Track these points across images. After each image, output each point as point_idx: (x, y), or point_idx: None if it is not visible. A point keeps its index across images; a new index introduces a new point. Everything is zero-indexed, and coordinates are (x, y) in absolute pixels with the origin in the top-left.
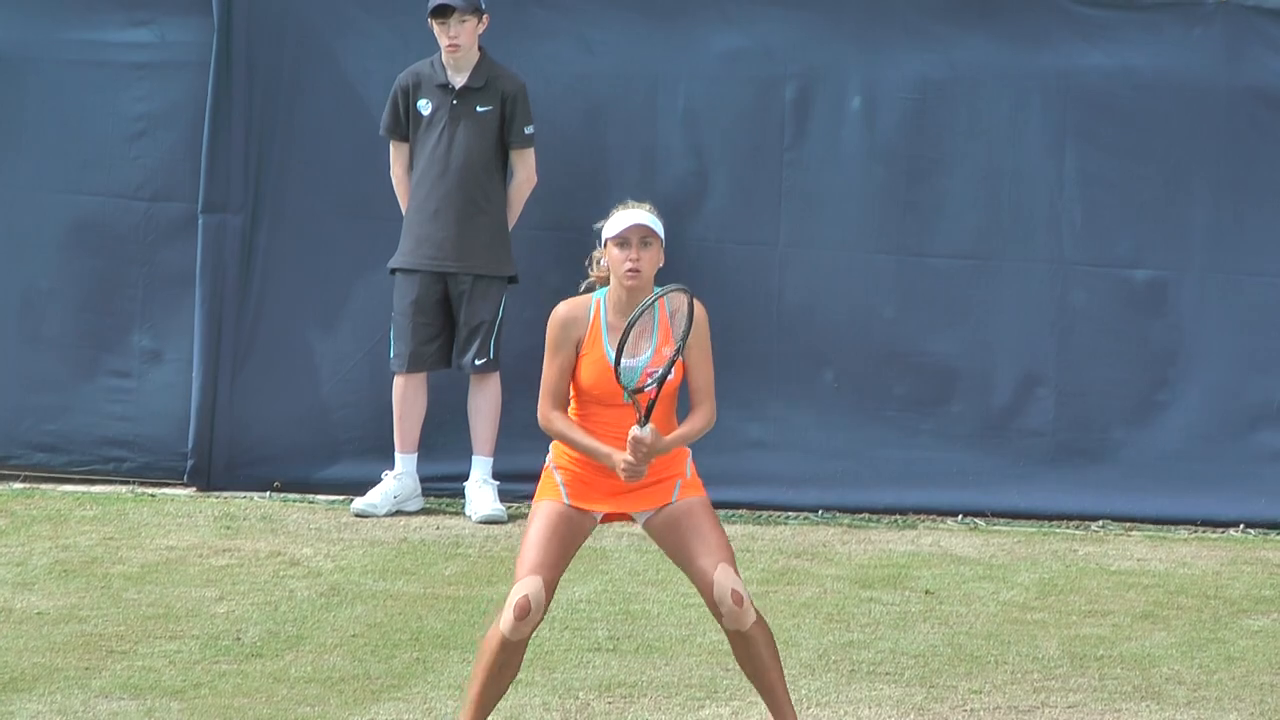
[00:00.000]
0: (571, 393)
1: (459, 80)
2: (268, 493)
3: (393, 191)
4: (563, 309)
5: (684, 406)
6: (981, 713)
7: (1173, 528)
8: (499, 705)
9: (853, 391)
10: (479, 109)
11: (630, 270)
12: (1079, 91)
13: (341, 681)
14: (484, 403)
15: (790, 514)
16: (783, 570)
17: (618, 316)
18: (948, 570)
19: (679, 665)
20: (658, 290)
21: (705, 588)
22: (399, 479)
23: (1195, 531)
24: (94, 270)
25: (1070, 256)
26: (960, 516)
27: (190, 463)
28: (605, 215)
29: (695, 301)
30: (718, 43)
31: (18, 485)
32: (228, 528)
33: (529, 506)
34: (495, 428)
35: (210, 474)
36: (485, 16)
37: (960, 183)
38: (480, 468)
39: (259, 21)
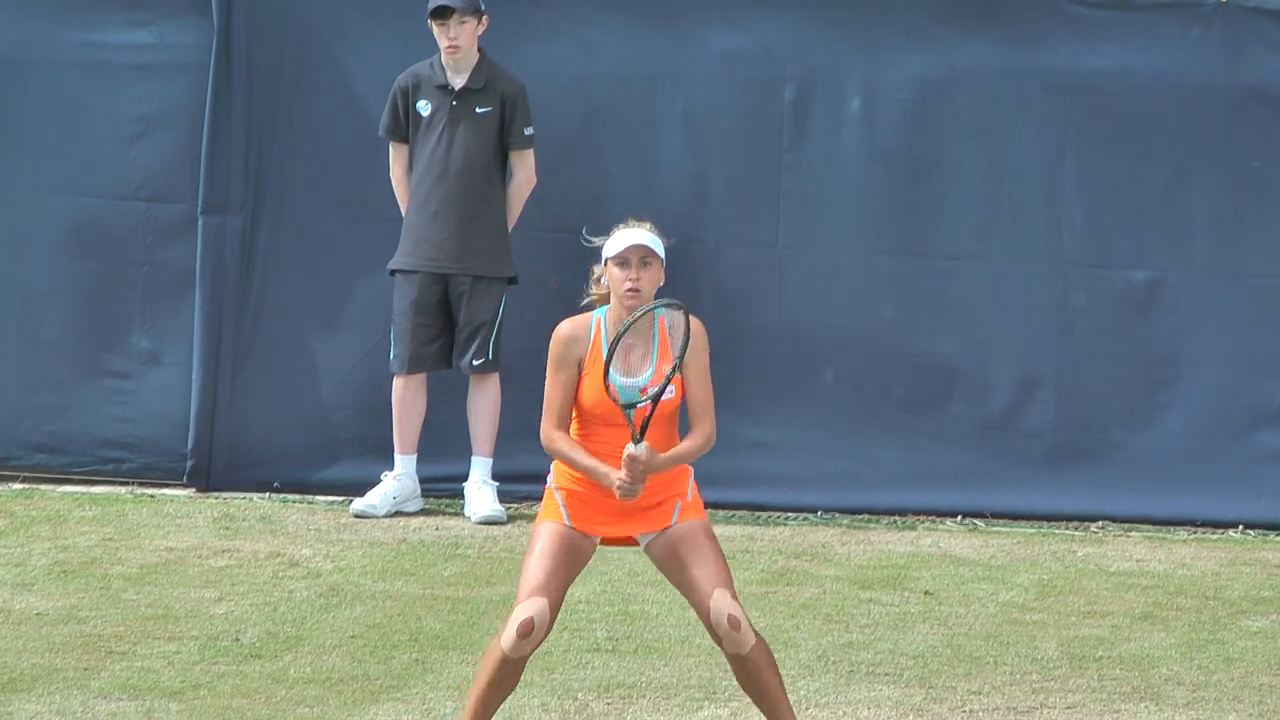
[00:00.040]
0: (575, 413)
1: (459, 81)
2: (267, 494)
3: (392, 192)
4: (564, 327)
5: (686, 425)
6: (980, 713)
7: (1172, 529)
8: (500, 706)
9: (852, 392)
10: (478, 110)
11: (630, 290)
12: (1078, 92)
13: (340, 682)
14: (483, 403)
15: (790, 515)
16: (782, 571)
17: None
18: (947, 571)
19: (678, 666)
20: (644, 306)
21: (703, 613)
22: (398, 480)
23: (1194, 532)
24: (94, 271)
25: (1070, 257)
26: (959, 517)
27: (190, 464)
28: (605, 216)
29: (692, 318)
30: (717, 44)
31: (17, 486)
32: (227, 529)
33: (528, 507)
34: (495, 429)
35: (209, 475)
36: (485, 18)
37: (960, 183)
38: (479, 468)
39: (259, 23)
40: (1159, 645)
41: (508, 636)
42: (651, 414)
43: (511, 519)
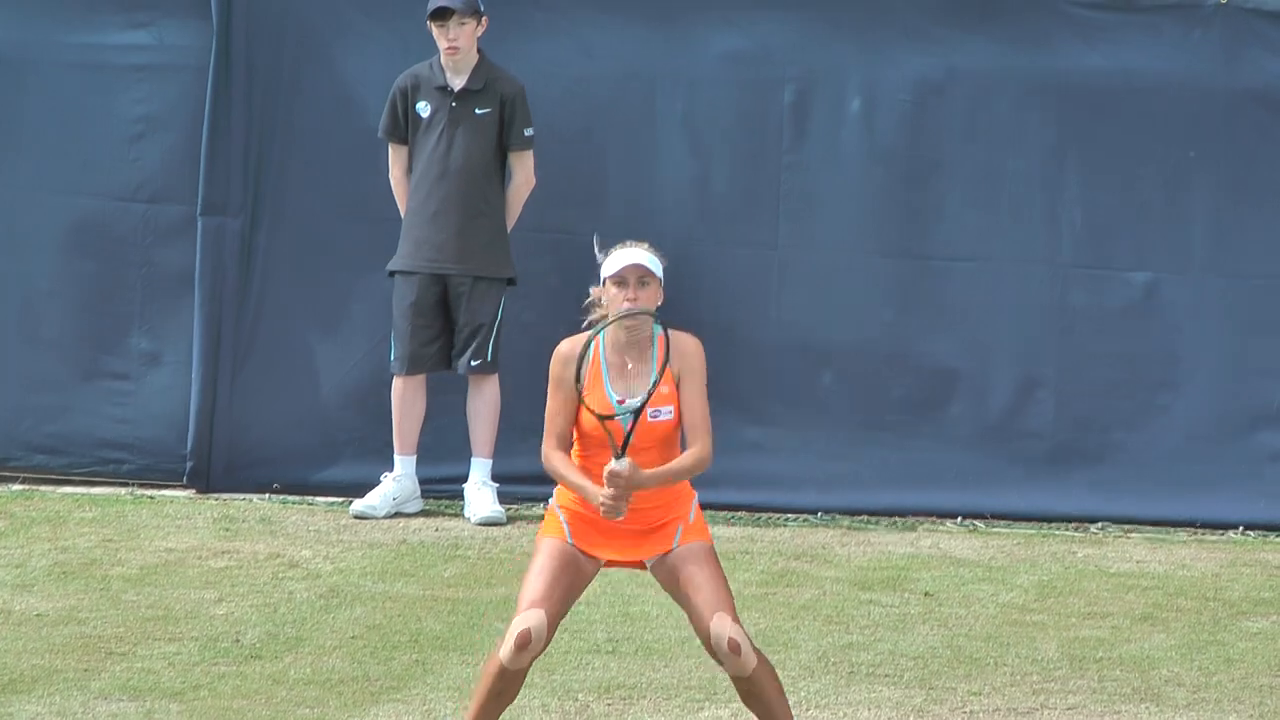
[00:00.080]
0: (576, 434)
1: (458, 83)
2: (267, 495)
3: (391, 193)
4: (564, 346)
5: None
6: (981, 714)
7: (1172, 530)
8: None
9: (852, 393)
10: (478, 111)
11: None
12: (1078, 93)
13: (340, 683)
14: (483, 405)
15: (789, 516)
16: (782, 572)
17: (617, 355)
18: (947, 572)
19: (678, 667)
20: (612, 316)
21: (704, 636)
22: (398, 481)
23: (1195, 533)
24: (93, 272)
25: (1069, 258)
26: (959, 518)
27: (189, 465)
28: (605, 217)
29: (690, 336)
30: (716, 44)
31: (17, 487)
32: (227, 530)
33: (528, 509)
34: (494, 430)
35: (209, 476)
36: (484, 19)
37: (959, 185)
38: (479, 470)
39: (258, 24)
40: (1159, 646)
41: (506, 648)
42: (633, 428)
43: (511, 520)
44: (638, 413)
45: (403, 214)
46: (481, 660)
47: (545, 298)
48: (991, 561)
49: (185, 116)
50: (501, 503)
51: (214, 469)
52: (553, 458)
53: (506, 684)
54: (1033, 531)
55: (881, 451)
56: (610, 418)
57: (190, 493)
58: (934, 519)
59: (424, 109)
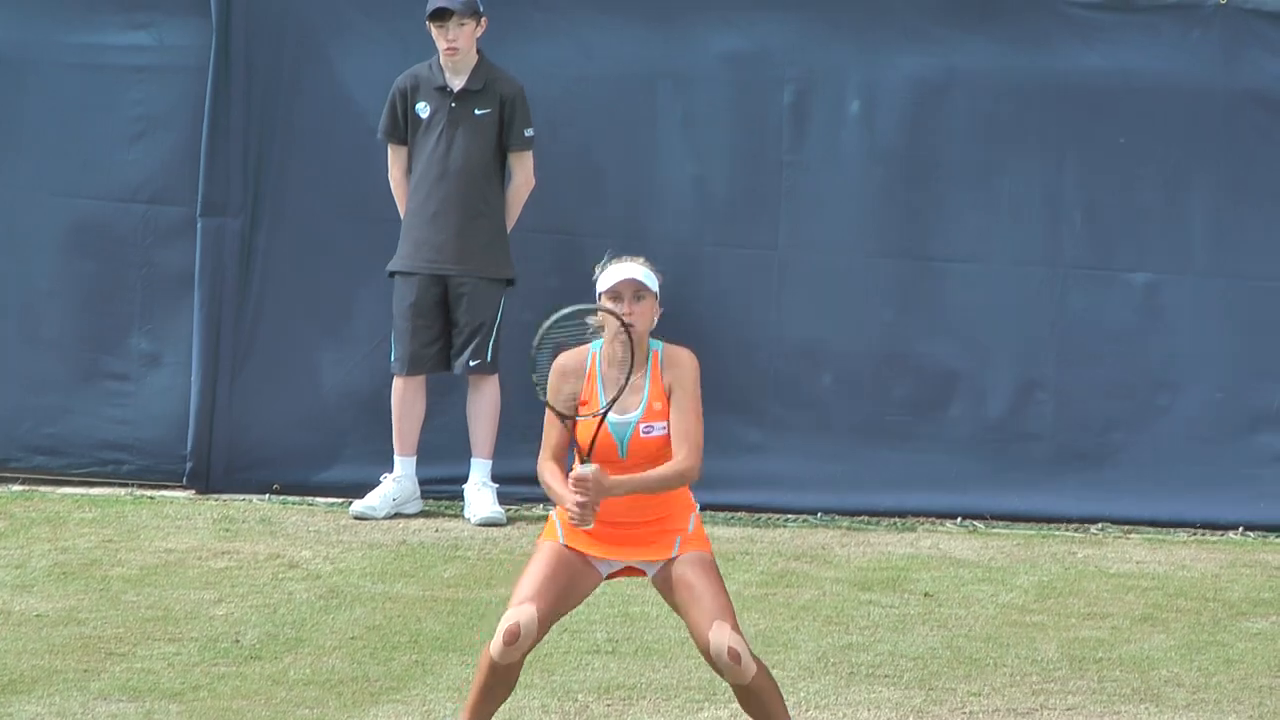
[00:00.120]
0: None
1: (457, 83)
2: (267, 495)
3: (391, 194)
4: (563, 359)
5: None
6: (980, 715)
7: (1172, 530)
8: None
9: (852, 394)
10: (477, 112)
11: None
12: (1078, 94)
13: (340, 684)
14: (483, 405)
15: (789, 516)
16: (782, 573)
17: (612, 371)
18: (947, 573)
19: (678, 668)
20: (572, 309)
21: (703, 647)
22: (398, 482)
23: (1194, 534)
24: (93, 273)
25: (1069, 259)
26: (959, 519)
27: (189, 465)
28: (605, 218)
29: (684, 349)
30: (716, 45)
31: (17, 487)
32: (226, 530)
33: (528, 509)
34: (494, 430)
35: (209, 476)
36: (484, 20)
37: (959, 185)
38: (479, 470)
39: (257, 24)
40: (1159, 647)
41: (495, 643)
42: (597, 432)
43: (511, 521)
44: (603, 415)
45: (402, 215)
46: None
47: (545, 298)
48: (991, 562)
49: (185, 117)
50: (501, 503)
51: (214, 470)
52: (543, 469)
53: (498, 679)
54: (1032, 532)
55: (881, 452)
56: (570, 418)
57: (190, 493)
58: (934, 520)
59: (423, 110)
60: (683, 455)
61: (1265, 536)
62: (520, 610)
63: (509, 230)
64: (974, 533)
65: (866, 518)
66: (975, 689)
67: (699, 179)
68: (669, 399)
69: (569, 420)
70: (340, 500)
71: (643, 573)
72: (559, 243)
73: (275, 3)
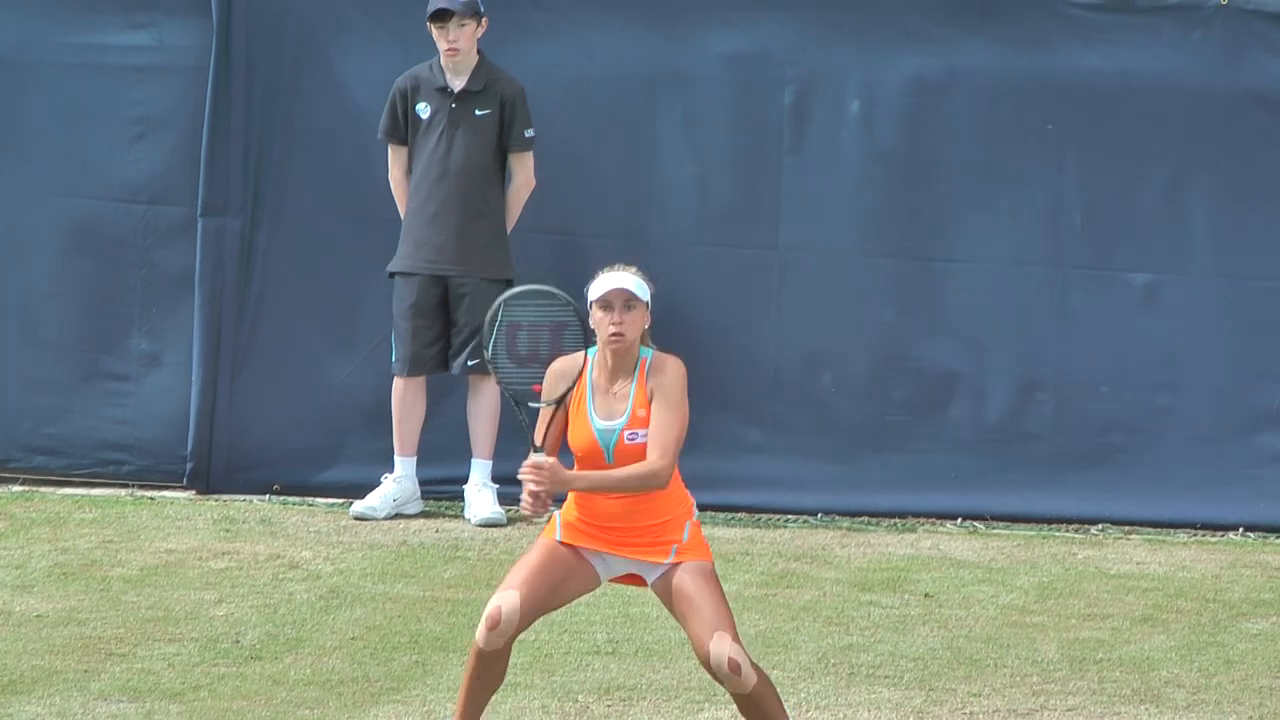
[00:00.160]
0: (575, 457)
1: (458, 84)
2: (267, 496)
3: (391, 194)
4: (558, 363)
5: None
6: (980, 716)
7: (1172, 531)
8: (499, 708)
9: (852, 395)
10: (478, 112)
11: (614, 334)
12: (1078, 94)
13: (341, 684)
14: (483, 406)
15: (790, 517)
16: (782, 573)
17: (603, 378)
18: (947, 573)
19: (678, 668)
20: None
21: (703, 658)
22: (398, 482)
23: (1195, 535)
24: (93, 273)
25: (1069, 260)
26: (959, 520)
27: (189, 466)
28: (605, 218)
29: (671, 357)
30: (716, 45)
31: (17, 488)
32: (227, 531)
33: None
34: (494, 431)
35: (209, 477)
36: (484, 20)
37: (959, 186)
38: (479, 471)
39: (258, 24)
40: (1159, 648)
41: (480, 629)
42: (551, 421)
43: (511, 521)
44: (557, 406)
45: (402, 215)
46: None
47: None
48: (991, 563)
49: (185, 117)
50: (502, 504)
51: (214, 470)
52: None
53: (484, 667)
54: (1033, 533)
55: (881, 453)
56: (521, 402)
57: (190, 494)
58: (934, 520)
59: (424, 110)
60: (654, 457)
61: (1265, 537)
62: (503, 596)
63: (509, 231)
64: (974, 533)
65: (867, 518)
66: (975, 690)
67: (699, 179)
68: (651, 405)
69: (522, 405)
70: (341, 501)
71: (643, 581)
72: (559, 243)
73: (275, 3)
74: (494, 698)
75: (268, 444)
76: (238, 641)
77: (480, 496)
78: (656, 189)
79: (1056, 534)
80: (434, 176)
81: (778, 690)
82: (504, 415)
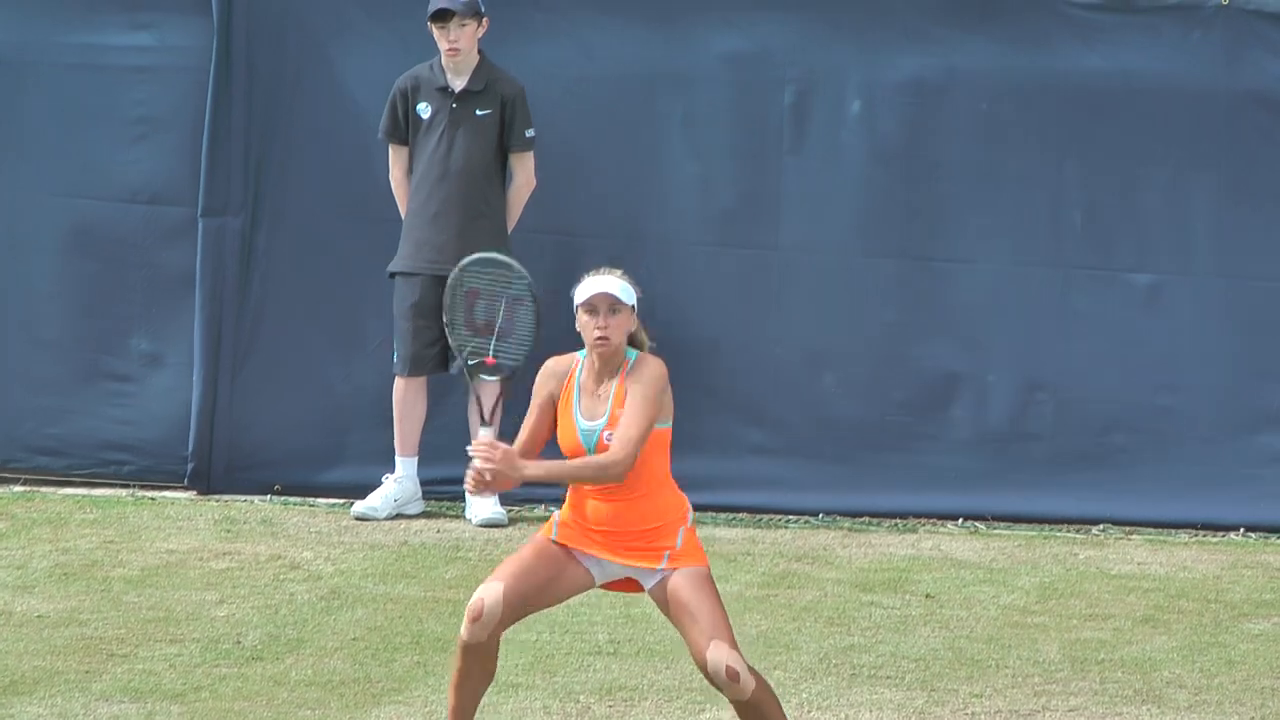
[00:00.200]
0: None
1: (459, 84)
2: (268, 496)
3: (392, 194)
4: (551, 362)
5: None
6: (982, 716)
7: (1173, 531)
8: (500, 709)
9: (853, 395)
10: (478, 112)
11: (599, 338)
12: (1079, 94)
13: (342, 685)
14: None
15: (791, 518)
16: (783, 574)
17: (591, 381)
18: (948, 574)
19: (680, 669)
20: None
21: (701, 664)
22: (399, 482)
23: (1196, 535)
24: (94, 274)
25: (1070, 260)
26: (961, 520)
27: (190, 466)
28: (605, 218)
29: (653, 358)
30: (717, 45)
31: (18, 488)
32: (228, 531)
33: (529, 510)
34: (496, 431)
35: (210, 477)
36: (485, 20)
37: (960, 186)
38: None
39: (259, 24)
40: (1160, 648)
41: (464, 622)
42: (499, 398)
43: (512, 521)
44: (494, 371)
45: (403, 215)
46: None
47: (545, 299)
48: (993, 563)
49: (186, 118)
50: (503, 504)
51: (215, 470)
52: None
53: (470, 661)
54: (1034, 533)
55: (882, 453)
56: (475, 373)
57: (191, 494)
58: (935, 521)
59: (424, 110)
60: (614, 449)
61: (1267, 537)
62: (486, 588)
63: (510, 231)
64: (975, 534)
65: (868, 519)
66: (977, 690)
67: (699, 179)
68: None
69: (475, 375)
70: (342, 501)
71: (640, 587)
72: (559, 243)
73: (276, 3)
74: (495, 699)
75: (269, 444)
76: (239, 642)
77: (481, 497)
78: (656, 189)
79: (1058, 534)
80: (435, 176)
81: (777, 694)
82: (505, 416)
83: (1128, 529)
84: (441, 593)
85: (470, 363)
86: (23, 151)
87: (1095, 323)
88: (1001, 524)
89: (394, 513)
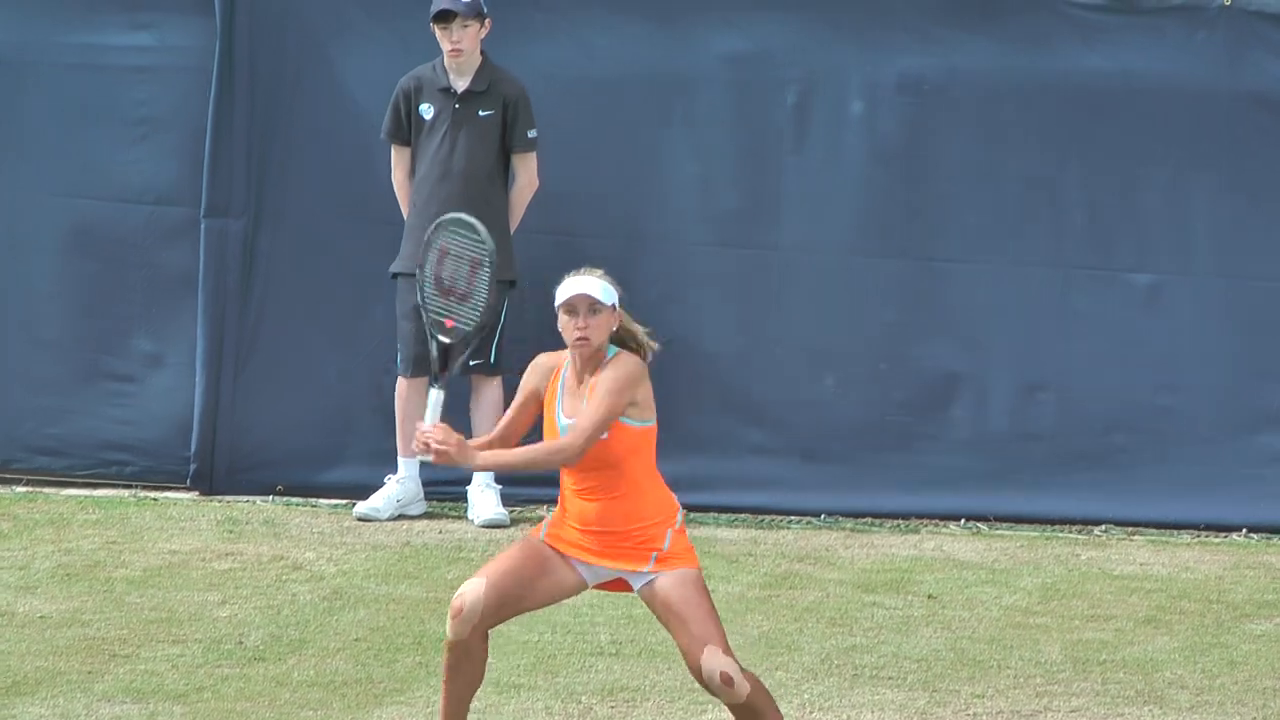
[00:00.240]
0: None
1: (461, 84)
2: (270, 497)
3: (394, 195)
4: (541, 357)
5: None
6: (984, 717)
7: (1175, 532)
8: (502, 710)
9: (854, 395)
10: (481, 113)
11: (580, 339)
12: (1080, 95)
13: (344, 685)
14: (486, 407)
15: (793, 518)
16: (785, 575)
17: (574, 379)
18: (950, 575)
19: (682, 670)
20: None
21: (694, 670)
22: (401, 483)
23: (1198, 536)
24: (95, 274)
25: (1072, 260)
26: (963, 521)
27: (193, 467)
28: (607, 218)
29: (628, 355)
30: (718, 45)
31: (20, 489)
32: (230, 532)
33: (531, 511)
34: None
35: (212, 478)
36: (488, 21)
37: (962, 186)
38: (483, 472)
39: (261, 25)
40: (1163, 649)
41: (448, 619)
42: (446, 355)
43: (515, 522)
44: (451, 342)
45: (405, 216)
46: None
47: (547, 299)
48: (995, 564)
49: (187, 118)
50: (505, 505)
51: (217, 471)
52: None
53: (455, 658)
54: (1036, 534)
55: (884, 454)
56: (435, 332)
57: (194, 495)
58: (937, 521)
59: (427, 111)
60: (569, 438)
61: (1269, 538)
62: (469, 584)
63: (513, 231)
64: (977, 534)
65: (870, 519)
66: (979, 691)
67: (699, 179)
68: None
69: (435, 332)
70: (344, 502)
71: (629, 587)
72: (559, 243)
73: (277, 3)
74: (497, 699)
75: (271, 445)
76: (241, 643)
77: (483, 497)
78: (656, 189)
79: (1060, 535)
80: (437, 177)
81: (780, 695)
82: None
83: (1130, 530)
84: (444, 593)
85: (432, 317)
86: (23, 152)
87: (1096, 323)
88: (1003, 525)
89: (396, 513)
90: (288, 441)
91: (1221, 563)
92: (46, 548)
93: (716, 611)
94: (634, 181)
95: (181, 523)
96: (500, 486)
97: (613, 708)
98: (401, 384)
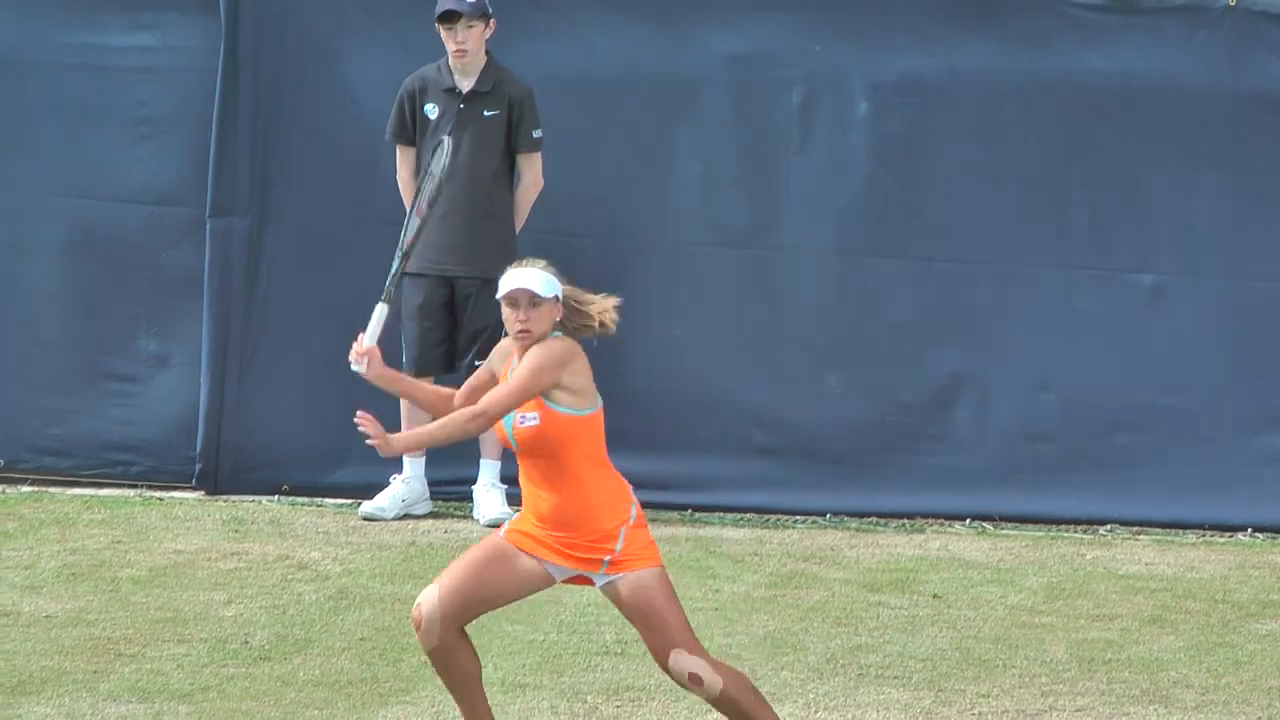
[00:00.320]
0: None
1: (466, 85)
2: (275, 496)
3: (399, 195)
4: (505, 342)
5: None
6: (989, 716)
7: (1180, 531)
8: (508, 709)
9: (859, 395)
10: (486, 113)
11: (521, 331)
12: (1083, 95)
13: (350, 685)
14: None
15: (798, 518)
16: (791, 574)
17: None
18: (955, 574)
19: None
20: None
21: (664, 669)
22: (407, 483)
23: (1203, 535)
24: (99, 274)
25: (1075, 261)
26: (968, 521)
27: (198, 466)
28: (609, 219)
29: (556, 338)
30: (718, 46)
31: (25, 489)
32: (235, 531)
33: None
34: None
35: (218, 477)
36: (492, 21)
37: (965, 187)
38: (488, 471)
39: (265, 25)
40: (1168, 648)
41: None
42: (400, 269)
43: None
44: (404, 249)
45: None
46: (487, 663)
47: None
48: (1000, 563)
49: (190, 118)
50: (510, 505)
51: (222, 471)
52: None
53: (440, 663)
54: (1041, 533)
55: (889, 454)
56: (405, 253)
57: (199, 494)
58: (942, 521)
59: (432, 111)
60: (479, 408)
61: (1274, 538)
62: (424, 594)
63: (518, 232)
64: (982, 534)
65: (875, 519)
66: (984, 690)
67: (700, 179)
68: (541, 392)
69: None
70: (349, 501)
71: (592, 582)
72: (565, 244)
73: (280, 4)
74: (503, 699)
75: (276, 444)
76: (247, 642)
77: (489, 497)
78: (660, 189)
79: (1065, 535)
80: None
81: (785, 694)
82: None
83: (1135, 529)
84: None
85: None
86: (25, 152)
87: (1098, 323)
88: (1009, 524)
89: (401, 513)
90: (293, 441)
91: (1226, 562)
92: (52, 547)
93: (681, 608)
94: (635, 182)
95: (187, 522)
96: (505, 486)
97: (618, 707)
98: None
